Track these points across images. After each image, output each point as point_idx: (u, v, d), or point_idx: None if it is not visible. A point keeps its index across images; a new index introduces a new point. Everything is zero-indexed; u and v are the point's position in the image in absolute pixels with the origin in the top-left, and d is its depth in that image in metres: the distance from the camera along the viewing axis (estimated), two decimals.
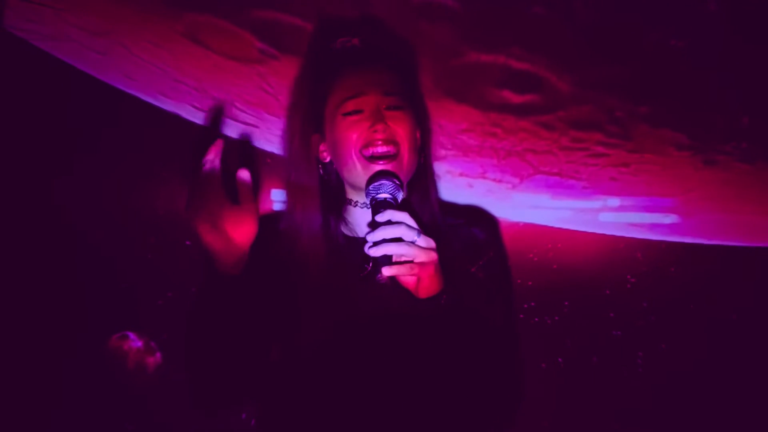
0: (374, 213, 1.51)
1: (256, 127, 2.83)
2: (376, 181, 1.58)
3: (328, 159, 1.75)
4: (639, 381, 2.82)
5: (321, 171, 1.75)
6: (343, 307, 1.66)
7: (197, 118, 2.82)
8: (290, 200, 1.75)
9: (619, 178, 2.83)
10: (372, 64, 1.72)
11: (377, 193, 1.56)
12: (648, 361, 2.83)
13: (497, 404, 1.62)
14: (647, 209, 2.85)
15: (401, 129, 1.66)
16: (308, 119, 1.75)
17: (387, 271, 1.41)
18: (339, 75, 1.72)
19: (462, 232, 1.76)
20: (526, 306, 2.81)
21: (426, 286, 1.47)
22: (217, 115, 2.74)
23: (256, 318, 1.57)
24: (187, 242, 2.65)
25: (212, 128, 2.72)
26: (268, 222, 1.71)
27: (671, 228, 2.87)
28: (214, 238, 1.45)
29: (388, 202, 1.54)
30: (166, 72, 2.81)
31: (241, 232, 1.46)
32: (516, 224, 2.82)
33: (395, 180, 1.59)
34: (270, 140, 2.81)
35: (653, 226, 2.87)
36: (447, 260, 1.53)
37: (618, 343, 2.84)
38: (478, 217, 1.93)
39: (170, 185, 2.73)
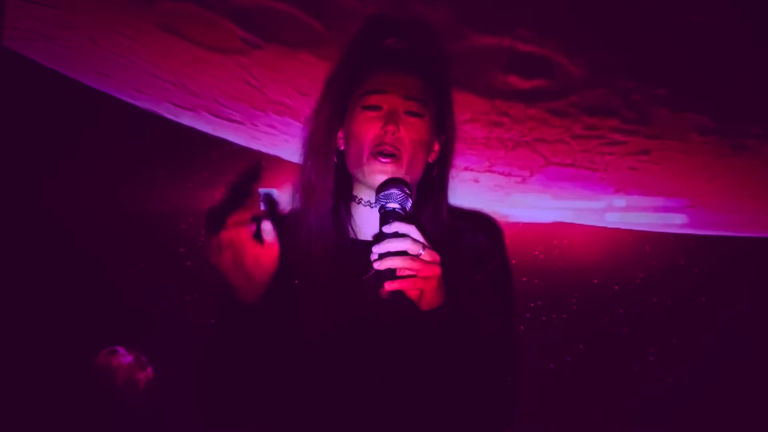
0: (382, 223, 1.49)
1: (241, 123, 2.70)
2: (386, 190, 1.56)
3: (342, 147, 1.75)
4: (651, 379, 2.71)
5: (336, 159, 1.75)
6: (345, 310, 1.63)
7: (177, 116, 2.66)
8: (303, 188, 1.74)
9: (639, 167, 2.63)
10: (406, 68, 1.72)
11: (386, 203, 1.54)
12: (660, 357, 2.73)
13: (490, 412, 1.62)
14: (656, 209, 2.71)
15: (408, 136, 1.66)
16: (336, 108, 1.76)
17: (390, 286, 1.42)
18: (373, 70, 1.73)
19: (467, 237, 1.75)
20: (532, 305, 2.75)
21: (428, 299, 1.47)
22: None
23: (274, 344, 1.58)
24: (181, 249, 2.61)
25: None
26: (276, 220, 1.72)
27: (690, 219, 2.70)
28: (237, 277, 1.51)
29: (397, 212, 1.53)
30: (141, 66, 2.61)
31: (263, 269, 1.52)
32: (521, 221, 2.71)
33: (405, 189, 1.56)
34: (256, 137, 2.65)
35: (667, 219, 2.72)
36: (451, 267, 1.52)
37: (628, 340, 2.74)
38: (483, 223, 1.89)
39: (160, 190, 2.64)
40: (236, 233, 1.49)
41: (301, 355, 1.62)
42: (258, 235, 1.53)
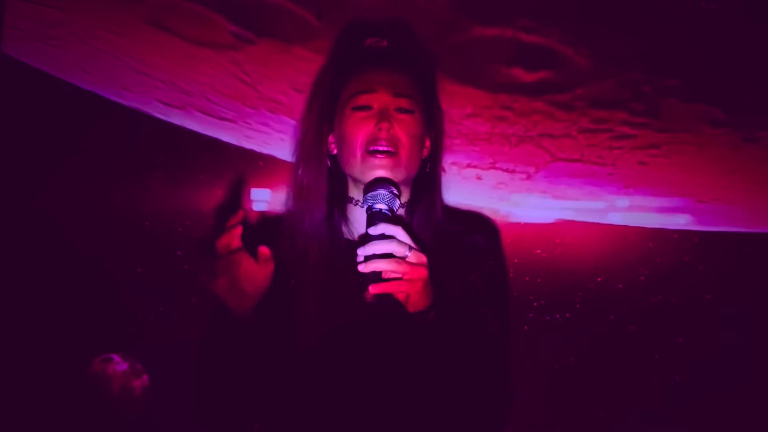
0: (368, 224, 1.49)
1: (234, 122, 2.59)
2: (373, 190, 1.55)
3: (335, 151, 1.74)
4: (657, 378, 2.60)
5: (329, 163, 1.74)
6: (340, 312, 1.62)
7: (167, 115, 2.53)
8: (296, 194, 1.75)
9: (649, 162, 2.52)
10: (391, 66, 1.71)
11: (374, 203, 1.53)
12: (665, 357, 2.61)
13: (484, 413, 1.61)
14: (662, 209, 2.61)
15: (404, 133, 1.65)
16: (324, 113, 1.75)
17: (374, 289, 1.41)
18: (358, 71, 1.72)
19: (462, 239, 1.73)
20: (536, 304, 2.63)
21: (414, 301, 1.46)
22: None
23: (268, 349, 1.59)
24: (178, 252, 2.52)
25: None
26: (267, 223, 1.78)
27: (699, 217, 2.60)
28: (231, 296, 1.52)
29: (384, 213, 1.51)
30: (129, 64, 2.52)
31: (257, 287, 1.53)
32: (522, 221, 2.62)
33: (393, 189, 1.55)
34: (250, 136, 2.53)
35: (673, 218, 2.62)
36: (443, 267, 1.53)
37: (633, 339, 2.62)
38: (478, 223, 1.88)
39: (157, 191, 2.55)
40: (231, 259, 1.48)
41: (296, 358, 1.61)
42: (251, 249, 1.51)
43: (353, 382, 1.59)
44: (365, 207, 1.54)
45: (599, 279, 2.65)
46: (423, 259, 1.44)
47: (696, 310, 2.62)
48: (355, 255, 1.47)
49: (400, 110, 1.66)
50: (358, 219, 1.71)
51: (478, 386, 1.56)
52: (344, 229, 1.73)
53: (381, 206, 1.51)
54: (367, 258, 1.41)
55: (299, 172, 1.74)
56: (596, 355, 2.62)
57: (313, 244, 1.66)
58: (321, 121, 1.74)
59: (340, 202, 1.73)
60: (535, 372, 2.50)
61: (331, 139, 1.74)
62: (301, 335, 1.61)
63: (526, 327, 2.57)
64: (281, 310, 1.62)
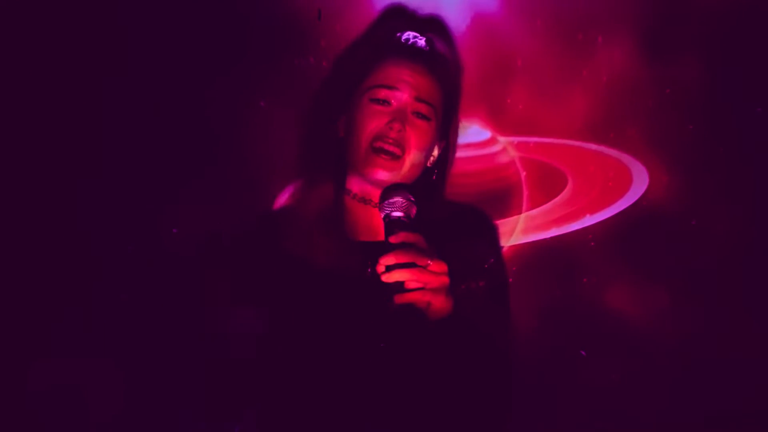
0: (387, 233, 1.47)
1: None
2: (390, 198, 1.53)
3: (342, 134, 1.71)
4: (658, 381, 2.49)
5: (334, 147, 1.72)
6: (340, 307, 1.61)
7: None
8: (300, 174, 1.76)
9: None
10: (421, 67, 1.68)
11: (391, 211, 1.51)
12: (667, 356, 2.48)
13: (488, 416, 1.60)
14: None
15: (414, 138, 1.64)
16: (341, 92, 1.71)
17: (399, 299, 1.39)
18: (387, 62, 1.69)
19: (462, 238, 1.72)
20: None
21: (436, 310, 1.45)
22: None
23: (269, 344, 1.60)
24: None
25: None
26: (270, 218, 1.79)
27: None
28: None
29: (402, 221, 1.50)
30: None
31: None
32: None
33: (410, 197, 1.53)
34: None
35: None
36: (448, 269, 1.50)
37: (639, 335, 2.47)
38: (477, 221, 1.85)
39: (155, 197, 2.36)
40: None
41: (301, 355, 1.59)
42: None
43: (359, 379, 1.57)
44: (383, 215, 1.52)
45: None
46: (444, 267, 1.43)
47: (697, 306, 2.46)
48: (353, 253, 1.52)
49: (417, 114, 1.65)
50: (356, 214, 1.71)
51: (485, 388, 1.56)
52: (343, 223, 1.72)
53: (398, 214, 1.50)
54: (389, 267, 1.39)
55: (305, 151, 1.75)
56: (601, 354, 2.49)
57: (312, 236, 1.65)
58: (338, 101, 1.71)
59: (340, 192, 1.71)
60: (539, 370, 2.41)
61: (340, 121, 1.71)
62: (302, 331, 1.59)
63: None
64: (286, 305, 1.60)
